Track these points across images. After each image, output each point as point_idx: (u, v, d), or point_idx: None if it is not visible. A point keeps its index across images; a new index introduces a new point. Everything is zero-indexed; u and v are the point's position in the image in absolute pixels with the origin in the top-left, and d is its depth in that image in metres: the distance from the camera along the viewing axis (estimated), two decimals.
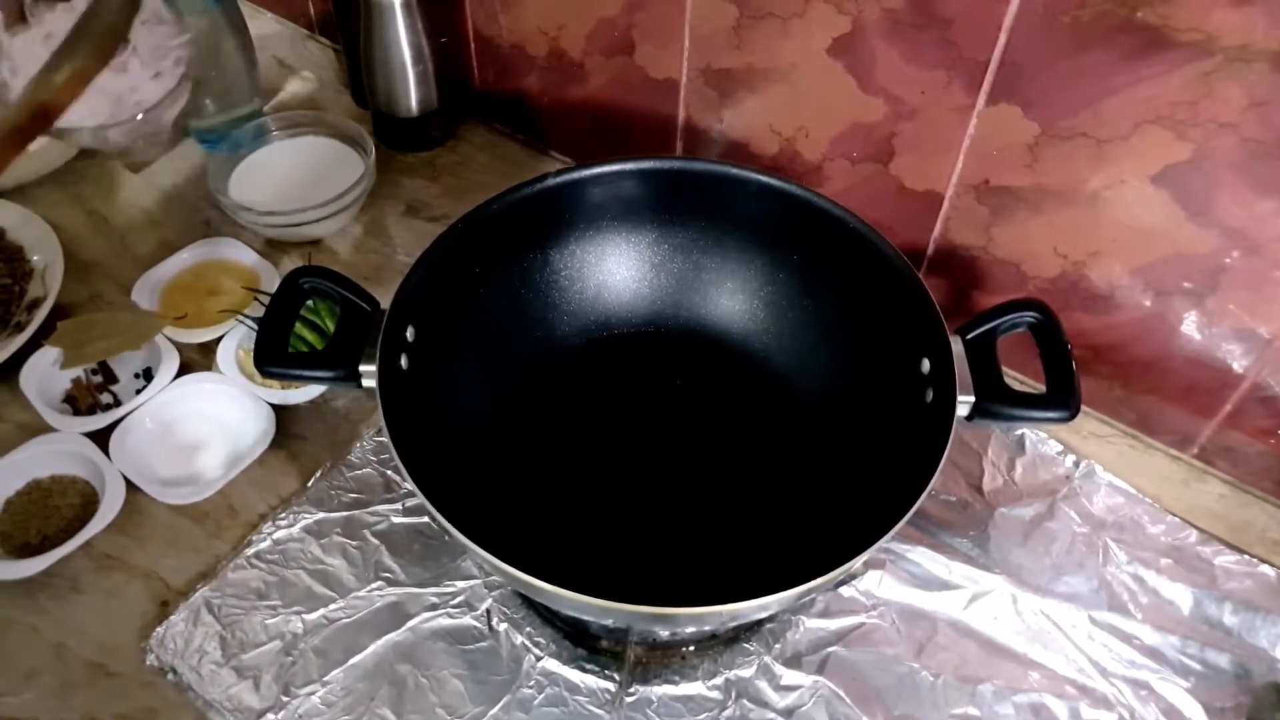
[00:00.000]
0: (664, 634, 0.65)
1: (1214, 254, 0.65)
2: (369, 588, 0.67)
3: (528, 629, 0.66)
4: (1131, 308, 0.71)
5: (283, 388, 0.77)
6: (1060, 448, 0.76)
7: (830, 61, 0.73)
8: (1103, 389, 0.76)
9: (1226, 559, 0.70)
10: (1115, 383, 0.76)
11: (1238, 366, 0.70)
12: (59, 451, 0.72)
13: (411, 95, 0.94)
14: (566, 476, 0.70)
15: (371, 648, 0.65)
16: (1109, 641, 0.66)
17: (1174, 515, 0.72)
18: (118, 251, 0.89)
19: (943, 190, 0.74)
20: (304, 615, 0.66)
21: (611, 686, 0.63)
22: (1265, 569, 0.69)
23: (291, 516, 0.71)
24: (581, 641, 0.65)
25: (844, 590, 0.68)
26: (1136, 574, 0.69)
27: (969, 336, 0.63)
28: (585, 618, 0.62)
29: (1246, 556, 0.70)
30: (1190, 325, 0.69)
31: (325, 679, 0.63)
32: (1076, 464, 0.75)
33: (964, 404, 0.60)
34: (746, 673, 0.64)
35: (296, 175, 0.92)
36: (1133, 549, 0.70)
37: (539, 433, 0.72)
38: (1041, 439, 0.76)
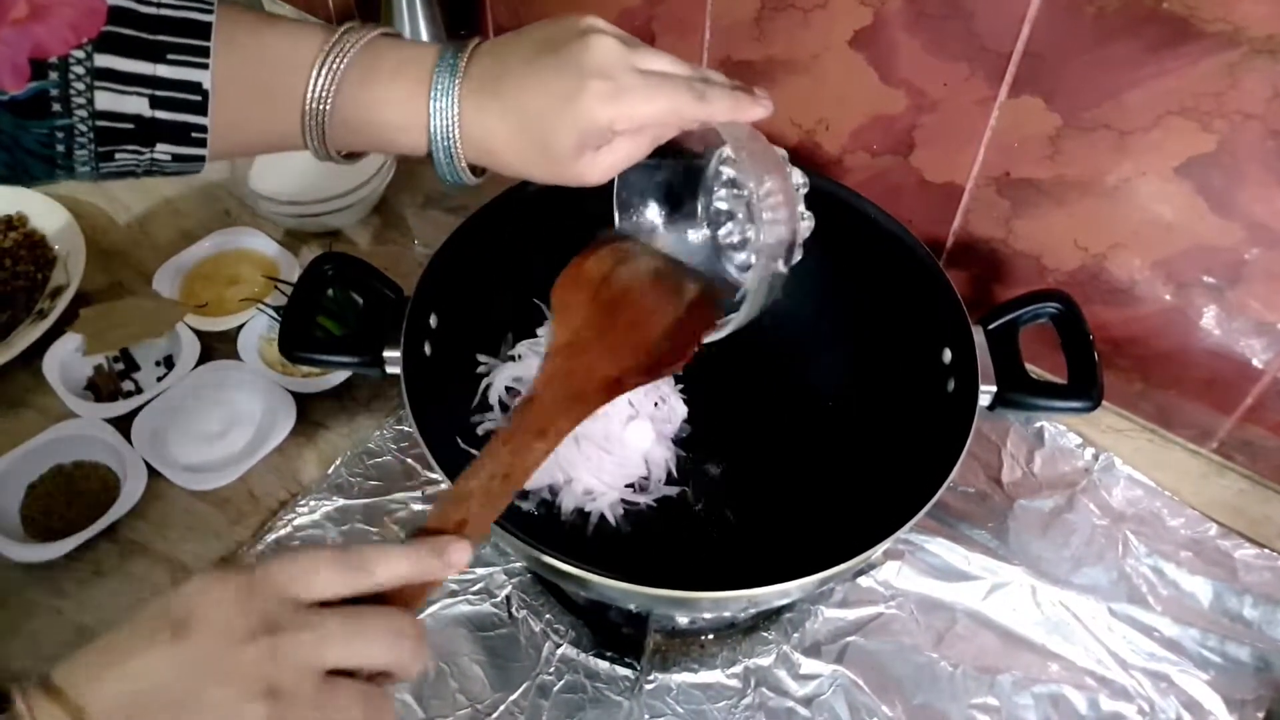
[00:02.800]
0: (684, 620, 0.65)
1: (1236, 247, 0.65)
2: None
3: (547, 616, 0.66)
4: (1151, 301, 0.71)
5: (303, 376, 0.77)
6: (1079, 440, 0.75)
7: (852, 53, 0.73)
8: (1122, 382, 0.76)
9: (1247, 552, 0.70)
10: (1134, 376, 0.75)
11: (1258, 361, 0.69)
12: (82, 437, 0.73)
13: None
14: None
15: None
16: (1128, 633, 0.66)
17: (1193, 509, 0.72)
18: (139, 240, 0.90)
19: (963, 182, 0.74)
20: None
21: (631, 674, 0.64)
22: None
23: (312, 503, 0.71)
24: (601, 629, 0.65)
25: (862, 580, 0.68)
26: (1156, 566, 0.69)
27: (991, 327, 0.63)
28: (606, 602, 0.62)
29: (1267, 550, 0.70)
30: (1210, 319, 0.69)
31: None
32: (1096, 456, 0.74)
33: (986, 393, 0.60)
34: (765, 661, 0.64)
35: (316, 166, 0.91)
36: (1152, 541, 0.70)
37: None
38: (1060, 432, 0.76)
